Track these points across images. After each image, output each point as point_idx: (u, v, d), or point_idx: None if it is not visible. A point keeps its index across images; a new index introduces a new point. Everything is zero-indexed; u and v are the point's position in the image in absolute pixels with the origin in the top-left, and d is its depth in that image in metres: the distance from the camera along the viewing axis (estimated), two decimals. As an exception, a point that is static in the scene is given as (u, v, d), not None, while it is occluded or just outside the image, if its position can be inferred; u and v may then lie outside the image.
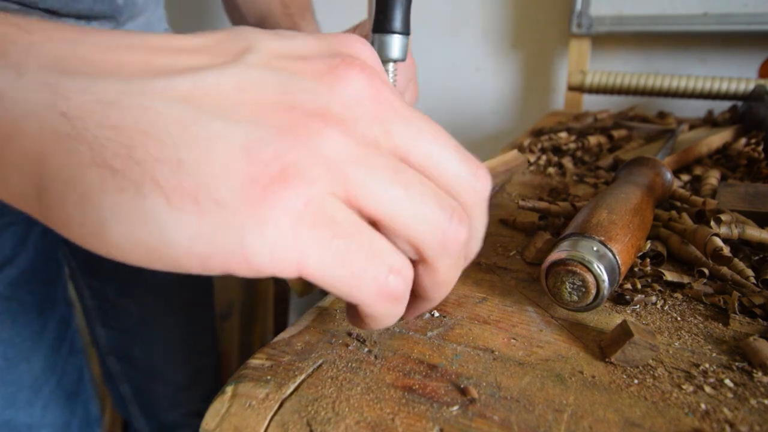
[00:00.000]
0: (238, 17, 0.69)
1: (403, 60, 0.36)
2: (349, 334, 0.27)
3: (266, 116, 0.17)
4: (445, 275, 0.21)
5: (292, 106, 0.18)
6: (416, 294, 0.22)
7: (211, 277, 0.87)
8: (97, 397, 0.76)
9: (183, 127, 0.16)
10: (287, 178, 0.16)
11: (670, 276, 0.32)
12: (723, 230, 0.34)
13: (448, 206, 0.19)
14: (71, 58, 0.17)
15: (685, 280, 0.32)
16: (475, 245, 0.23)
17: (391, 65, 0.37)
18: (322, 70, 0.19)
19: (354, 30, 0.51)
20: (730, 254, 0.31)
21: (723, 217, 0.35)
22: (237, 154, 0.16)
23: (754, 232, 0.34)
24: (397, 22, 0.35)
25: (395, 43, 0.35)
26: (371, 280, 0.18)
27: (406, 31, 0.35)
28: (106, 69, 0.17)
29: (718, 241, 0.32)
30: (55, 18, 0.49)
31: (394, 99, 0.20)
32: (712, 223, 0.35)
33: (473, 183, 0.21)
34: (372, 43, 0.36)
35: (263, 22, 0.64)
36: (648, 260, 0.34)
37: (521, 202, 0.41)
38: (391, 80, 0.37)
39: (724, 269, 0.32)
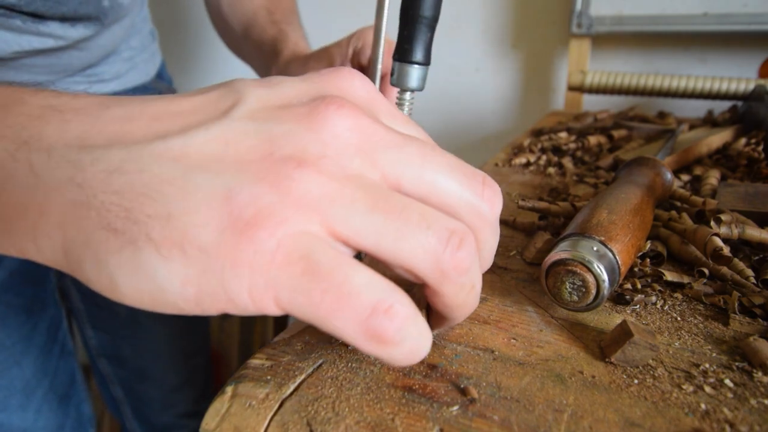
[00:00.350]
0: (223, 26, 0.68)
1: (421, 90, 0.37)
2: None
3: (247, 166, 0.18)
4: (455, 299, 0.20)
5: (270, 153, 0.19)
6: (437, 313, 0.22)
7: None
8: (91, 397, 0.76)
9: (172, 185, 0.18)
10: (259, 221, 0.17)
11: (670, 276, 0.32)
12: (723, 230, 0.34)
13: (444, 230, 0.19)
14: (90, 131, 0.20)
15: (685, 280, 0.32)
16: (485, 264, 0.22)
17: (408, 94, 0.38)
18: (303, 114, 0.20)
19: (350, 39, 0.50)
20: (730, 254, 0.31)
21: (723, 217, 0.35)
22: (217, 203, 0.18)
23: (754, 232, 0.34)
24: (419, 54, 0.35)
25: (415, 73, 0.36)
26: (348, 318, 0.17)
27: (426, 62, 0.36)
28: (115, 139, 0.19)
29: (718, 241, 0.32)
30: (39, 21, 0.48)
31: (380, 129, 0.20)
32: (712, 223, 0.35)
33: (477, 205, 0.21)
34: (392, 70, 0.37)
35: (249, 30, 0.63)
36: (648, 260, 0.34)
37: (521, 202, 0.41)
38: (407, 109, 0.38)
39: (724, 269, 0.32)
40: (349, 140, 0.19)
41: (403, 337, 0.18)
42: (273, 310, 0.18)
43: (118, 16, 0.56)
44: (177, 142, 0.19)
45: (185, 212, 0.18)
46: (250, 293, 0.18)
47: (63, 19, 0.50)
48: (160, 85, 0.74)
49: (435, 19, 0.36)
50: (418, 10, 0.35)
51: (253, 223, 0.17)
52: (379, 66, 0.41)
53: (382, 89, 0.45)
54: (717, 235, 0.33)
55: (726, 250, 0.31)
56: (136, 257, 0.18)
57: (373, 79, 0.41)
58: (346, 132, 0.20)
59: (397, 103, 0.38)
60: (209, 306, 0.18)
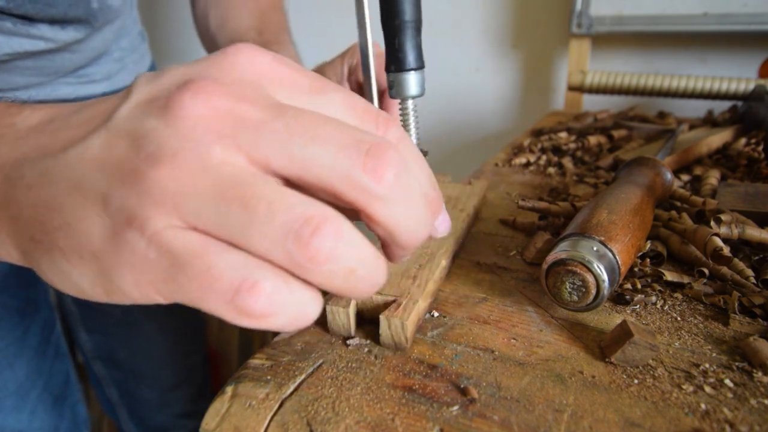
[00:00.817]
0: (212, 47, 0.66)
1: (421, 95, 0.36)
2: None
3: (118, 169, 0.19)
4: (333, 287, 0.19)
5: (136, 153, 0.19)
6: (383, 240, 0.21)
7: None
8: (85, 399, 0.76)
9: (70, 195, 0.20)
10: (129, 223, 0.19)
11: (670, 276, 0.32)
12: (723, 230, 0.34)
13: (292, 221, 0.18)
14: (24, 148, 0.21)
15: (685, 280, 0.32)
16: (405, 237, 0.20)
17: (410, 102, 0.37)
18: (161, 106, 0.19)
19: (343, 57, 0.49)
20: (730, 254, 0.31)
21: (723, 217, 0.35)
22: (99, 210, 0.19)
23: (754, 232, 0.34)
24: (412, 60, 0.35)
25: (411, 80, 0.35)
26: (219, 303, 0.18)
27: (421, 65, 0.35)
28: (42, 151, 0.21)
29: (718, 241, 0.32)
30: (29, 23, 0.47)
31: (243, 109, 0.19)
32: (712, 223, 0.35)
33: (357, 179, 0.19)
34: (389, 82, 0.36)
35: None
36: (648, 260, 0.34)
37: (521, 202, 0.41)
38: (413, 117, 0.37)
39: (724, 269, 0.32)
40: (207, 127, 0.19)
41: (276, 309, 0.18)
42: (160, 300, 0.20)
43: (108, 18, 0.56)
44: (77, 151, 0.20)
45: (78, 221, 0.19)
46: (138, 288, 0.19)
47: (53, 21, 0.50)
48: None
49: (419, 20, 0.35)
50: (400, 17, 0.34)
51: (125, 225, 0.19)
52: (374, 84, 0.41)
53: (383, 105, 0.44)
54: (717, 235, 0.33)
55: (726, 250, 0.31)
56: (54, 264, 0.20)
57: (370, 100, 0.41)
58: (201, 119, 0.19)
59: (400, 114, 0.38)
60: (120, 300, 0.20)
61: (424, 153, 0.38)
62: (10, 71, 0.53)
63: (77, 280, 0.20)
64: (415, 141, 0.38)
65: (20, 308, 0.62)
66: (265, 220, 0.18)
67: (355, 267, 0.19)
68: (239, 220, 0.18)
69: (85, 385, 0.84)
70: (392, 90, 0.36)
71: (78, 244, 0.19)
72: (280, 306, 0.18)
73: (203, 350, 0.87)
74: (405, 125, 0.38)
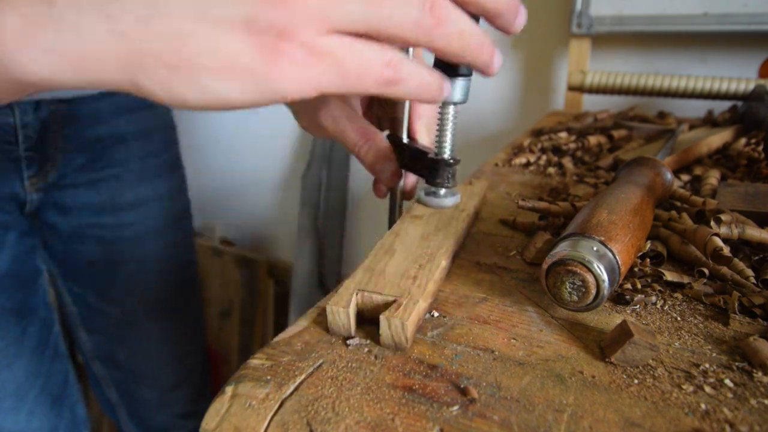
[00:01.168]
0: None
1: (464, 102, 0.36)
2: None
3: None
4: (450, 41, 0.26)
5: None
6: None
7: (197, 275, 0.86)
8: (84, 399, 0.76)
9: (201, 22, 0.23)
10: (284, 37, 0.23)
11: (670, 276, 0.32)
12: (723, 230, 0.34)
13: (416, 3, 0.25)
14: None
15: (685, 280, 0.32)
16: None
17: (452, 108, 0.37)
18: None
19: None
20: (730, 254, 0.31)
21: (723, 217, 0.35)
22: (243, 31, 0.23)
23: (754, 232, 0.34)
24: (463, 66, 0.34)
25: (458, 86, 0.35)
26: (371, 78, 0.25)
27: (469, 72, 0.35)
28: None
29: (718, 241, 0.32)
30: None
31: None
32: (712, 223, 0.35)
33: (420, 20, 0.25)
34: None
35: None
36: (648, 260, 0.34)
37: (521, 202, 0.41)
38: (451, 122, 0.38)
39: (724, 269, 0.32)
40: None
41: (409, 74, 0.26)
42: (313, 94, 0.25)
43: None
44: None
45: (224, 43, 0.23)
46: (299, 91, 0.25)
47: None
48: None
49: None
50: None
51: (279, 39, 0.23)
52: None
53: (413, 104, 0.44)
54: (717, 235, 0.33)
55: (726, 250, 0.31)
56: (199, 83, 0.24)
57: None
58: None
59: (438, 118, 0.38)
60: (266, 103, 0.25)
61: (456, 161, 0.38)
62: None
63: (227, 92, 0.24)
64: (449, 148, 0.38)
65: (17, 310, 0.62)
66: (398, 4, 0.24)
67: (464, 28, 0.27)
68: (377, 12, 0.24)
69: (84, 386, 0.84)
70: None
71: (229, 62, 0.24)
72: (413, 73, 0.26)
73: (203, 351, 0.87)
74: (442, 130, 0.38)
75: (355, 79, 0.25)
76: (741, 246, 0.36)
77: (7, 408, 0.61)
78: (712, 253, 0.31)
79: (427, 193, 0.41)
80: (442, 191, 0.40)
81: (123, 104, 0.67)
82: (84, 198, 0.67)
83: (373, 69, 0.25)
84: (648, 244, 0.34)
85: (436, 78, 0.28)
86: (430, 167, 0.39)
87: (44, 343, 0.66)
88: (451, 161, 0.38)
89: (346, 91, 0.26)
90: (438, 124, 0.38)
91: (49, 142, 0.61)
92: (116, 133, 0.67)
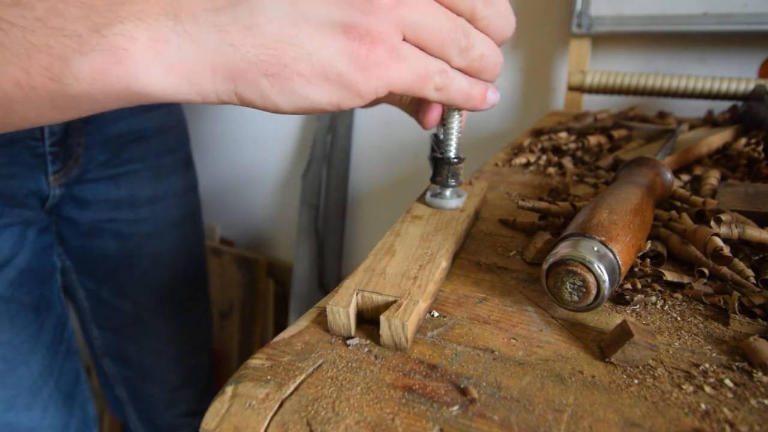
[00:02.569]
0: None
1: None
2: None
3: (348, 2, 0.26)
4: (480, 60, 0.31)
5: None
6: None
7: (207, 274, 0.87)
8: (94, 397, 0.76)
9: (300, 27, 0.25)
10: (376, 42, 0.26)
11: (670, 276, 0.32)
12: (723, 230, 0.34)
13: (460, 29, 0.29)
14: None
15: (685, 280, 0.32)
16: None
17: (456, 111, 0.38)
18: None
19: None
20: (730, 254, 0.31)
21: (723, 217, 0.35)
22: (340, 37, 0.26)
23: (754, 232, 0.34)
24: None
25: None
26: (430, 83, 0.29)
27: None
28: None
29: (718, 241, 0.32)
30: None
31: None
32: (712, 223, 0.35)
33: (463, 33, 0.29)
34: None
35: None
36: (648, 260, 0.34)
37: (521, 202, 0.41)
38: (456, 125, 0.38)
39: (724, 269, 0.32)
40: None
41: (457, 83, 0.31)
42: (384, 94, 0.28)
43: None
44: None
45: (319, 48, 0.26)
46: (375, 92, 0.27)
47: None
48: None
49: None
50: None
51: (371, 45, 0.26)
52: None
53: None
54: (717, 235, 0.33)
55: (726, 250, 0.31)
56: (293, 90, 0.26)
57: None
58: None
59: (443, 121, 0.38)
60: (347, 106, 0.28)
61: (461, 159, 0.39)
62: None
63: (317, 97, 0.27)
64: (454, 149, 0.38)
65: (35, 305, 0.62)
66: (450, 27, 0.28)
67: (484, 52, 0.31)
68: (443, 29, 0.28)
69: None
70: None
71: (323, 68, 0.26)
72: (460, 82, 0.31)
73: (209, 349, 0.87)
74: (447, 132, 0.38)
75: (419, 83, 0.28)
76: (741, 246, 0.36)
77: (22, 404, 0.61)
78: (712, 253, 0.31)
79: (434, 195, 0.41)
80: (448, 192, 0.40)
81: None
82: (103, 193, 0.68)
83: (432, 75, 0.29)
84: (648, 245, 0.34)
85: (479, 89, 0.32)
86: (434, 166, 0.40)
87: (59, 340, 0.66)
88: (454, 160, 0.39)
89: (410, 93, 0.29)
90: (444, 126, 0.38)
91: (72, 138, 0.62)
92: (135, 130, 0.68)
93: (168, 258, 0.76)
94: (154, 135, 0.71)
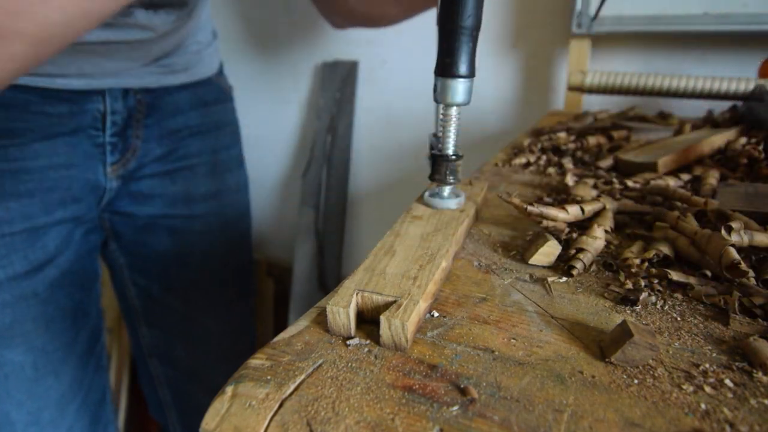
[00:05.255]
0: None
1: (467, 104, 0.36)
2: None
3: None
4: None
5: None
6: None
7: (252, 275, 0.85)
8: (116, 420, 0.75)
9: None
10: None
11: (676, 276, 0.32)
12: (734, 238, 0.34)
13: None
14: None
15: (691, 280, 0.32)
16: None
17: (454, 109, 0.37)
18: None
19: None
20: (747, 268, 0.31)
21: (733, 224, 0.34)
22: None
23: (764, 238, 0.34)
24: (463, 67, 0.34)
25: (460, 87, 0.34)
26: None
27: (471, 74, 0.34)
28: None
29: (735, 254, 0.31)
30: (125, 14, 0.50)
31: None
32: (723, 231, 0.34)
33: None
34: (434, 86, 0.35)
35: None
36: (647, 262, 0.34)
37: (529, 208, 0.39)
38: (454, 123, 0.37)
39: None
40: None
41: None
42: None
43: (197, 2, 0.58)
44: None
45: None
46: None
47: (150, 5, 0.52)
48: (222, 80, 0.75)
49: (476, 28, 0.33)
50: (457, 21, 0.32)
51: None
52: None
53: None
54: (732, 245, 0.32)
55: (744, 265, 0.30)
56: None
57: None
58: None
59: (441, 120, 0.38)
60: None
61: (460, 157, 0.39)
62: (105, 55, 0.55)
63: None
64: (452, 146, 0.38)
65: (73, 311, 0.62)
66: None
67: None
68: None
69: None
70: (436, 92, 0.35)
71: None
72: None
73: (252, 352, 0.86)
74: (445, 130, 0.38)
75: None
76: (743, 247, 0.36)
77: (47, 420, 0.59)
78: (728, 265, 0.31)
79: (432, 194, 0.41)
80: (446, 192, 0.40)
81: (200, 97, 0.69)
82: (159, 188, 0.68)
83: None
84: (653, 251, 0.34)
85: None
86: (432, 163, 0.39)
87: (90, 352, 0.65)
88: (452, 157, 0.38)
89: None
90: (441, 124, 0.38)
91: (132, 130, 0.62)
92: (192, 125, 0.69)
93: (218, 256, 0.75)
94: (210, 131, 0.71)
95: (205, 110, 0.70)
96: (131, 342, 0.81)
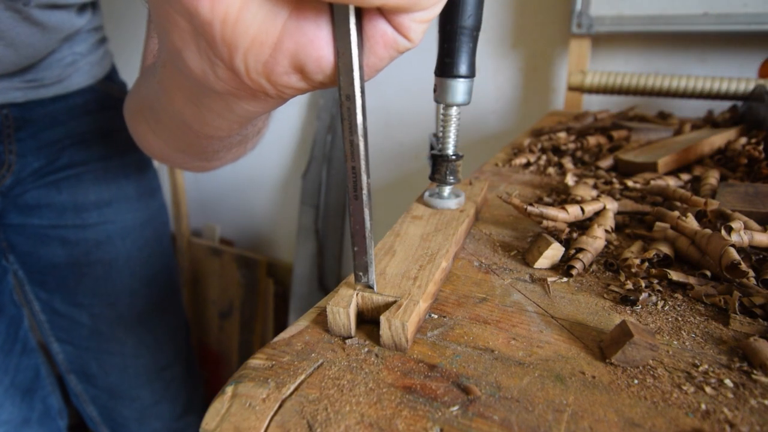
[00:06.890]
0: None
1: (467, 104, 0.35)
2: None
3: None
4: None
5: None
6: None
7: (178, 282, 0.82)
8: (59, 390, 0.73)
9: None
10: None
11: (675, 276, 0.32)
12: (734, 238, 0.34)
13: None
14: None
15: (690, 280, 0.32)
16: None
17: (454, 109, 0.37)
18: None
19: None
20: (747, 269, 0.31)
21: (733, 225, 0.34)
22: None
23: (764, 238, 0.34)
24: (463, 67, 0.34)
25: (460, 87, 0.34)
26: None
27: (471, 74, 0.34)
28: None
29: (735, 254, 0.31)
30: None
31: None
32: (723, 231, 0.34)
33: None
34: (435, 86, 0.35)
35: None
36: (647, 262, 0.34)
37: (529, 208, 0.40)
38: (454, 123, 0.37)
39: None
40: None
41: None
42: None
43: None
44: None
45: None
46: None
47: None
48: (110, 86, 0.71)
49: (477, 28, 0.33)
50: (457, 21, 0.33)
51: None
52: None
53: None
54: (732, 245, 0.32)
55: (744, 265, 0.31)
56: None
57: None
58: None
59: (441, 120, 0.38)
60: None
61: (460, 157, 0.39)
62: None
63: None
64: (452, 147, 0.38)
65: None
66: None
67: None
68: None
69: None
70: (435, 93, 0.35)
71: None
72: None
73: (184, 362, 0.83)
74: (445, 130, 0.38)
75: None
76: (743, 247, 0.36)
77: None
78: (728, 265, 0.31)
79: (432, 194, 0.41)
80: (446, 192, 0.40)
81: (81, 106, 0.66)
82: (45, 198, 0.66)
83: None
84: (653, 251, 0.34)
85: None
86: (432, 164, 0.40)
87: (12, 339, 0.66)
88: (452, 157, 0.38)
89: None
90: (441, 124, 0.38)
91: (2, 145, 0.60)
92: (74, 134, 0.66)
93: (125, 266, 0.72)
94: (97, 139, 0.68)
95: (89, 118, 0.67)
96: (49, 359, 0.78)
